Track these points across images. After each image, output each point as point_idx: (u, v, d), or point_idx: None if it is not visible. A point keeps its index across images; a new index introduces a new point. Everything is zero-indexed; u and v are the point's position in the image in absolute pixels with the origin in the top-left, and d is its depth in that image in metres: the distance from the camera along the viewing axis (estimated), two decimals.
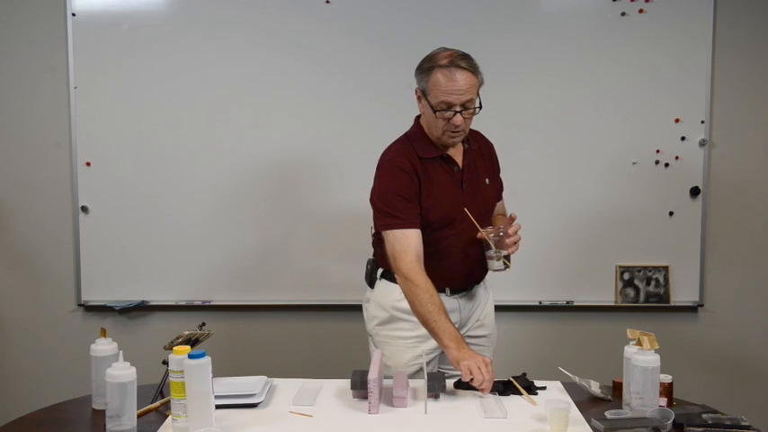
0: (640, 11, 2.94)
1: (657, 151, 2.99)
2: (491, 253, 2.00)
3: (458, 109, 1.91)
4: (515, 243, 1.99)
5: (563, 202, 3.01)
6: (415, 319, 2.02)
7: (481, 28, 2.94)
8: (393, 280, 2.07)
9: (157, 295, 3.03)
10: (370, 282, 2.18)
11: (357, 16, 2.92)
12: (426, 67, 1.95)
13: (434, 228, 2.02)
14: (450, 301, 2.09)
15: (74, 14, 2.93)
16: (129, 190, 2.98)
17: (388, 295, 2.11)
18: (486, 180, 2.12)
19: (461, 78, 1.90)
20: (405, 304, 2.03)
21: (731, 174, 3.02)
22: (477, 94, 1.95)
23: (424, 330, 2.00)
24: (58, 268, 3.04)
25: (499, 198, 2.26)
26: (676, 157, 2.99)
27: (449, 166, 2.04)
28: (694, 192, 3.00)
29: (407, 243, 1.96)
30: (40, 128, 2.99)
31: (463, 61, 1.92)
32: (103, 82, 2.95)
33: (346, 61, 2.91)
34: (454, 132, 1.95)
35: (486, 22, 2.94)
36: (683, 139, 2.98)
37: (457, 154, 2.07)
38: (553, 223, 3.01)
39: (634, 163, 2.99)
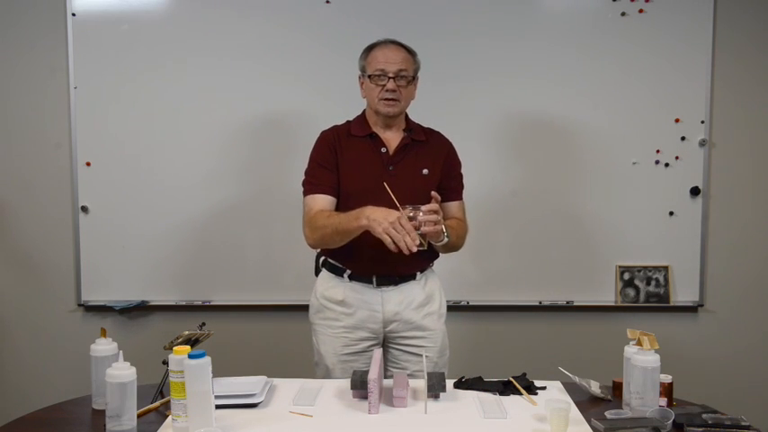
0: (640, 11, 2.94)
1: (657, 151, 2.99)
2: None
3: (391, 75, 2.09)
4: (434, 223, 1.94)
5: (563, 202, 3.01)
6: (339, 308, 2.15)
7: (481, 28, 2.94)
8: (328, 268, 2.20)
9: (157, 295, 3.03)
10: (316, 271, 2.28)
11: (357, 16, 2.92)
12: (365, 49, 2.19)
13: (354, 201, 2.03)
14: (373, 293, 2.14)
15: (74, 14, 2.93)
16: (129, 190, 2.98)
17: (320, 283, 2.23)
18: (424, 171, 2.16)
19: (395, 50, 2.13)
20: (330, 293, 2.17)
21: (731, 174, 3.02)
22: (415, 74, 2.16)
23: (349, 321, 2.14)
24: (58, 268, 3.04)
25: (454, 198, 2.24)
26: (676, 157, 2.99)
27: (375, 145, 2.16)
28: (694, 192, 3.00)
29: (313, 204, 2.11)
30: (40, 128, 2.99)
31: (399, 42, 2.16)
32: (103, 82, 2.95)
33: (347, 61, 2.90)
34: (389, 101, 2.11)
35: (486, 22, 2.94)
36: (683, 139, 2.98)
37: (392, 138, 2.19)
38: (553, 223, 3.01)
39: (634, 163, 2.99)
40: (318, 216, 2.07)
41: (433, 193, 1.98)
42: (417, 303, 2.18)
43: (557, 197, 3.01)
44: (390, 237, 1.86)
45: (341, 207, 2.12)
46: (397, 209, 1.93)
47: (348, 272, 2.16)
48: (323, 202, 2.11)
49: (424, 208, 1.93)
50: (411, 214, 1.92)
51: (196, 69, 2.94)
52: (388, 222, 1.87)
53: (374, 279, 2.14)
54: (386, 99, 2.11)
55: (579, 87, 2.97)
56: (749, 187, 3.04)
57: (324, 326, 2.20)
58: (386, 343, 2.21)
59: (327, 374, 2.16)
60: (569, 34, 2.95)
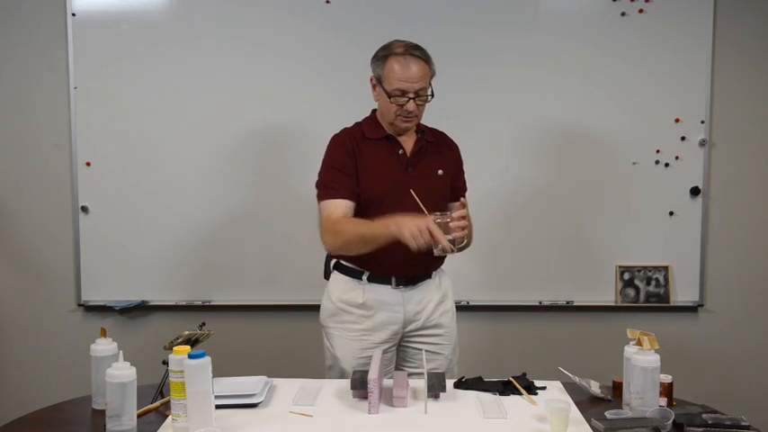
0: (640, 11, 2.94)
1: (657, 151, 2.99)
2: None
3: (411, 96, 2.04)
4: (462, 228, 1.94)
5: (563, 202, 3.01)
6: (359, 311, 2.13)
7: (481, 28, 2.94)
8: (343, 271, 2.17)
9: (157, 295, 3.03)
10: (326, 274, 2.25)
11: (357, 16, 2.92)
12: (382, 55, 2.09)
13: (376, 205, 2.05)
14: (393, 294, 2.13)
15: (74, 14, 2.93)
16: (129, 190, 2.98)
17: (335, 287, 2.19)
18: (439, 171, 2.16)
19: (415, 67, 2.03)
20: (349, 296, 2.13)
21: (731, 174, 3.02)
22: (430, 83, 2.09)
23: (369, 324, 2.12)
24: (58, 268, 3.04)
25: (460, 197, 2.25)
26: (676, 157, 2.99)
27: (393, 148, 2.14)
28: (694, 192, 3.00)
29: (333, 209, 2.05)
30: (40, 128, 2.99)
31: (417, 50, 2.07)
32: (103, 82, 2.95)
33: (347, 61, 2.91)
34: (407, 118, 2.07)
35: (486, 22, 2.94)
36: (683, 139, 2.98)
37: (407, 140, 2.16)
38: (553, 223, 3.01)
39: (634, 163, 2.99)
40: (342, 222, 2.03)
41: (462, 199, 2.01)
42: (435, 302, 2.19)
43: (557, 197, 3.01)
44: (416, 242, 1.84)
45: (362, 211, 2.08)
46: (425, 216, 1.93)
47: (366, 274, 2.14)
48: (343, 207, 2.06)
49: (454, 215, 1.93)
50: (438, 221, 1.93)
51: (196, 70, 2.94)
52: (416, 227, 1.83)
53: (393, 280, 2.13)
54: (404, 116, 2.08)
55: (579, 87, 2.96)
56: (749, 187, 3.04)
57: (341, 329, 2.16)
58: (402, 342, 2.20)
59: (343, 378, 2.11)
60: (569, 34, 2.95)
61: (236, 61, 2.94)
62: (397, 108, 2.06)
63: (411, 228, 1.83)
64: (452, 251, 1.95)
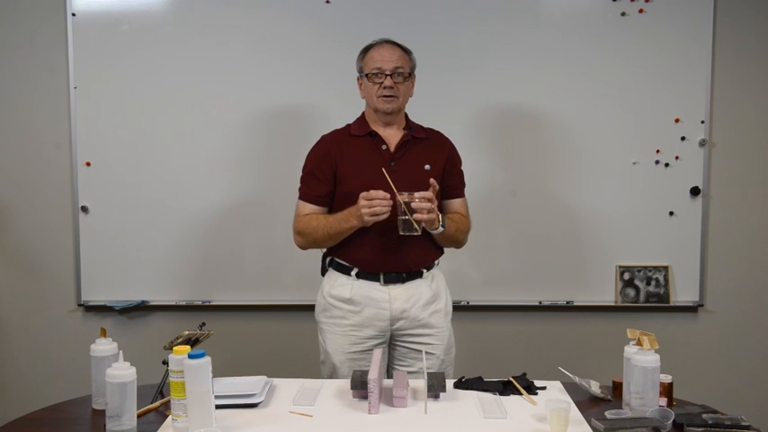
0: (640, 11, 2.94)
1: (657, 151, 2.99)
2: (400, 217, 2.02)
3: (388, 73, 2.14)
4: (428, 211, 1.99)
5: (563, 202, 3.01)
6: (347, 306, 2.18)
7: (481, 28, 2.94)
8: (336, 268, 2.22)
9: (157, 295, 3.03)
10: (323, 271, 2.30)
11: (357, 16, 2.92)
12: (362, 50, 2.23)
13: (357, 200, 2.09)
14: (380, 291, 2.16)
15: (74, 14, 2.93)
16: (129, 190, 2.98)
17: (326, 282, 2.25)
18: (426, 166, 2.19)
19: (391, 49, 2.18)
20: (338, 291, 2.19)
21: (731, 174, 3.02)
22: (411, 71, 2.20)
23: (357, 319, 2.16)
24: (58, 268, 3.04)
25: (457, 195, 2.29)
26: (676, 157, 2.99)
27: (376, 143, 2.21)
28: (694, 192, 3.00)
29: (302, 209, 2.22)
30: (40, 128, 2.99)
31: (391, 40, 2.21)
32: (103, 82, 2.95)
33: (347, 61, 2.90)
34: (386, 97, 2.15)
35: (487, 22, 2.94)
36: (683, 139, 2.98)
37: (392, 136, 2.23)
38: (553, 223, 3.01)
39: (634, 163, 2.99)
40: (305, 221, 2.18)
41: (431, 180, 2.03)
42: (425, 301, 2.19)
43: (556, 197, 3.01)
44: (376, 214, 1.96)
45: (344, 206, 2.13)
46: (394, 195, 1.99)
47: (355, 270, 2.17)
48: (310, 210, 2.21)
49: (417, 195, 1.99)
50: (407, 200, 1.99)
51: (196, 70, 2.94)
52: (367, 207, 1.96)
53: (381, 277, 2.16)
54: (384, 96, 2.14)
55: (579, 88, 2.96)
56: (749, 187, 3.04)
57: (331, 324, 2.21)
58: (392, 341, 2.22)
59: (334, 372, 2.18)
60: (569, 35, 2.95)
61: (235, 61, 2.94)
62: (377, 88, 2.14)
63: (363, 210, 1.96)
64: (417, 232, 2.01)
